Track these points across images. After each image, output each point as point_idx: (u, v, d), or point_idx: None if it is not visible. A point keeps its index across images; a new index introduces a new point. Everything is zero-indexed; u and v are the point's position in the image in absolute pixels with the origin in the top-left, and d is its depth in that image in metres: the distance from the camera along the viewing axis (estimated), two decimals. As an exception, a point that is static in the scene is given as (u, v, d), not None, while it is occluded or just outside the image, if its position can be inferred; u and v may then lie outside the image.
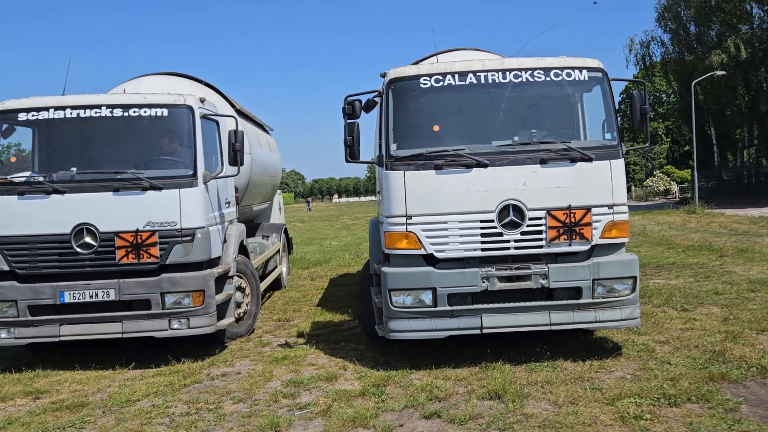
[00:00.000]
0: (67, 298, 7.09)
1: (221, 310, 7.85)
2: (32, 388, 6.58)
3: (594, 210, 6.37)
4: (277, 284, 12.80)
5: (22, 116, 7.31)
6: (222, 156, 8.28)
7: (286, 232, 13.77)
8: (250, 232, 12.51)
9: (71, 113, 7.30)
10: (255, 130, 11.54)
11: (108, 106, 7.30)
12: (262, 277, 11.23)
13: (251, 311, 8.94)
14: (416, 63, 8.59)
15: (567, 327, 6.46)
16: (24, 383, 6.77)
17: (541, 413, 5.14)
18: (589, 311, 6.41)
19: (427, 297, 6.37)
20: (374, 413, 5.32)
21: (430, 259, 6.45)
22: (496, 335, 6.74)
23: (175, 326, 7.22)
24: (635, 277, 6.44)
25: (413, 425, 5.09)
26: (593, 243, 6.39)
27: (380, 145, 6.71)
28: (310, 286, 13.45)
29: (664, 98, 69.61)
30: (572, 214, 6.34)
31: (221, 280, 7.98)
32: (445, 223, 6.37)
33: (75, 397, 6.25)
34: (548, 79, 6.53)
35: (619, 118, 6.95)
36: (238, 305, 8.67)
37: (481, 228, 6.36)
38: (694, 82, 33.08)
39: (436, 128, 6.74)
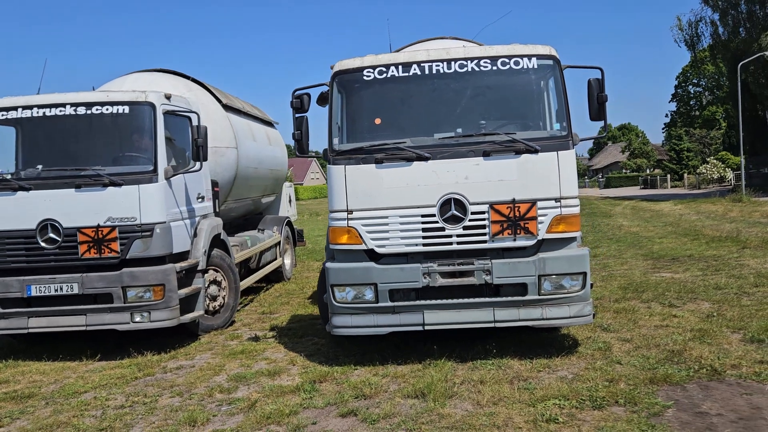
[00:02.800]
0: (34, 292, 7.34)
1: (189, 303, 7.98)
2: (-4, 378, 6.86)
3: (540, 204, 6.13)
4: (279, 276, 12.92)
5: (-8, 116, 7.56)
6: (206, 150, 8.37)
7: (290, 224, 13.85)
8: (251, 225, 12.68)
9: (38, 112, 7.52)
10: (248, 124, 11.61)
11: (72, 105, 7.48)
12: (254, 270, 11.36)
13: (229, 304, 9.05)
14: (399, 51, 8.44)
15: (512, 324, 6.27)
16: (-11, 373, 7.05)
17: (457, 413, 5.02)
18: (536, 308, 6.20)
19: (368, 293, 6.30)
20: (294, 410, 5.30)
21: (373, 255, 6.36)
22: (459, 331, 6.60)
23: (137, 319, 7.38)
24: (585, 273, 6.18)
25: (326, 423, 5.04)
26: (539, 238, 6.16)
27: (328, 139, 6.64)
28: (313, 278, 13.49)
29: (723, 81, 66.68)
30: (516, 208, 6.13)
31: (190, 274, 8.11)
32: (386, 218, 6.26)
33: (29, 387, 6.47)
34: (495, 68, 6.31)
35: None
36: (214, 298, 8.79)
37: (423, 223, 6.22)
38: (740, 64, 31.49)
39: (377, 121, 6.62)
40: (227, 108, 10.50)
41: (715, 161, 54.66)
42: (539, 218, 6.13)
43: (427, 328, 6.29)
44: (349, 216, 6.32)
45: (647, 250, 14.66)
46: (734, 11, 37.19)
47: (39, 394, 6.26)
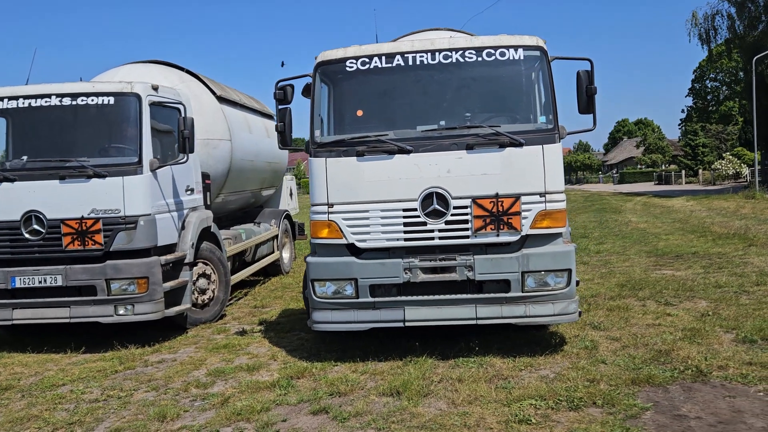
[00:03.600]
0: (18, 283, 7.31)
1: (175, 296, 7.92)
2: (-24, 369, 6.83)
3: (524, 198, 5.98)
4: (277, 270, 12.85)
5: (-23, 106, 7.53)
6: (193, 142, 8.29)
7: (288, 218, 13.76)
8: (250, 218, 12.60)
9: (24, 103, 7.48)
10: (244, 116, 11.52)
11: (58, 95, 7.43)
12: (249, 263, 11.30)
13: (218, 297, 8.99)
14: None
15: (494, 322, 6.13)
16: (-26, 364, 7.03)
17: (429, 413, 4.90)
18: (519, 305, 6.06)
19: (349, 288, 6.19)
20: (266, 407, 5.21)
21: (354, 249, 6.24)
22: (444, 327, 6.48)
23: (121, 312, 7.33)
24: (569, 270, 6.03)
25: (296, 421, 4.95)
26: (523, 233, 6.01)
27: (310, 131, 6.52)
28: (311, 272, 13.41)
29: (741, 76, 65.60)
30: (500, 203, 5.98)
31: (177, 267, 8.04)
32: (367, 211, 6.14)
33: (9, 380, 6.44)
34: (480, 59, 6.15)
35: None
36: (203, 292, 8.73)
37: (404, 217, 6.09)
38: (756, 58, 30.90)
39: (359, 113, 6.50)
40: (221, 100, 10.41)
41: (730, 157, 53.82)
42: (523, 213, 5.98)
43: (407, 324, 6.16)
44: (330, 210, 6.20)
45: (652, 246, 14.41)
46: (751, 4, 36.44)
47: (17, 386, 6.23)
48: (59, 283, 7.27)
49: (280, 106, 6.58)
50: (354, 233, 6.16)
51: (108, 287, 7.27)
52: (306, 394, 5.48)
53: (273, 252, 12.55)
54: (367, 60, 6.27)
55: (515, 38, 6.22)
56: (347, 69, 6.30)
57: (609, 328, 7.12)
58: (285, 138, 6.60)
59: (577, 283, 6.32)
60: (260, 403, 5.29)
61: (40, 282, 7.29)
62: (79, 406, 5.56)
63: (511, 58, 6.14)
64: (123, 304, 7.31)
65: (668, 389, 5.17)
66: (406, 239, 6.11)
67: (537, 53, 6.18)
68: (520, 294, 6.01)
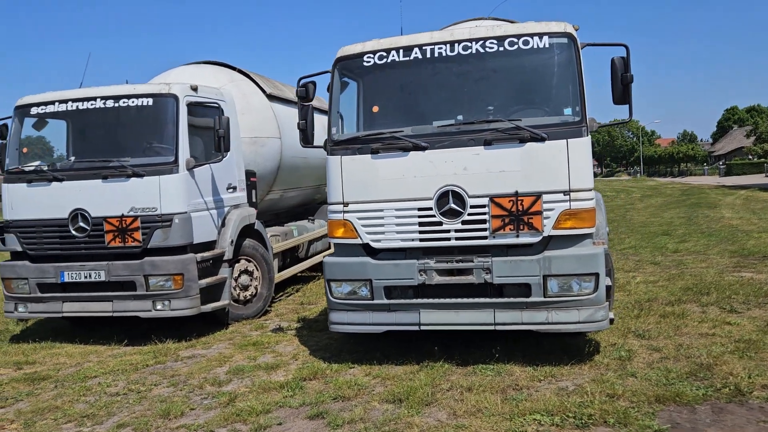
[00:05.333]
0: (67, 278, 7.70)
1: (214, 292, 8.08)
2: (27, 358, 7.26)
3: (545, 197, 5.59)
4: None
5: (33, 110, 7.98)
6: (228, 142, 8.45)
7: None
8: (310, 214, 12.68)
9: (72, 106, 7.84)
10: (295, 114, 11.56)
11: (102, 98, 7.74)
12: (302, 259, 11.37)
13: (261, 294, 9.10)
14: None
15: (514, 328, 5.78)
16: (25, 353, 7.48)
17: (426, 423, 4.67)
18: (540, 311, 5.68)
19: (364, 289, 6.04)
20: (267, 409, 5.17)
21: (370, 249, 6.09)
22: (469, 331, 6.19)
23: (159, 307, 7.55)
24: (596, 274, 5.57)
25: (291, 425, 4.87)
26: (545, 234, 5.62)
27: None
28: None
29: None
30: (519, 202, 5.62)
31: (217, 263, 8.20)
32: (381, 211, 5.96)
33: (49, 370, 6.78)
34: (502, 49, 5.80)
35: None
36: (245, 288, 8.86)
37: (420, 216, 5.86)
38: None
39: (375, 109, 6.31)
40: (272, 97, 10.50)
41: None
42: (545, 213, 5.59)
43: (423, 328, 5.94)
44: (345, 209, 6.08)
45: (739, 246, 13.26)
46: None
47: (54, 377, 6.54)
48: (102, 278, 7.59)
49: (302, 104, 6.52)
50: (369, 233, 6.00)
51: (147, 283, 7.51)
52: (311, 397, 5.39)
53: (329, 248, 12.57)
54: (384, 54, 6.07)
55: (541, 25, 5.82)
56: (365, 64, 6.14)
57: (654, 337, 6.56)
58: (307, 135, 6.54)
59: (610, 287, 5.84)
60: (263, 404, 5.26)
61: (85, 277, 7.64)
62: (99, 399, 5.75)
63: (536, 46, 5.74)
64: (160, 299, 7.53)
65: (695, 410, 4.66)
66: (421, 240, 5.88)
67: (564, 40, 5.75)
68: (542, 299, 5.64)
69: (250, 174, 9.31)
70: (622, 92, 5.71)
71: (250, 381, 5.98)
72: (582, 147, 5.59)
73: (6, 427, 5.21)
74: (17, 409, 5.60)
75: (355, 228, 6.03)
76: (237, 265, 8.73)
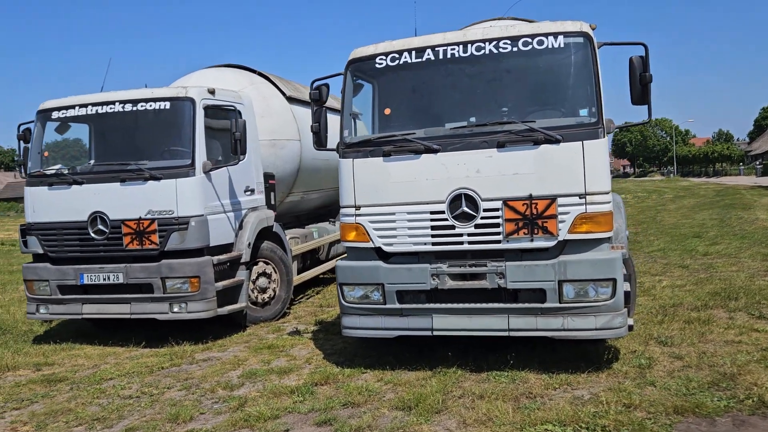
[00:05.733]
0: (86, 280, 7.78)
1: (231, 295, 8.09)
2: (47, 360, 7.35)
3: (560, 200, 5.44)
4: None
5: (54, 114, 8.09)
6: (245, 144, 8.46)
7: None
8: (333, 216, 12.65)
9: (91, 110, 7.92)
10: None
11: (120, 102, 7.81)
12: (322, 262, 11.35)
13: (280, 296, 9.09)
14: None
15: (528, 334, 5.65)
16: (45, 354, 7.58)
17: (434, 431, 4.58)
18: (555, 317, 5.53)
19: (376, 293, 5.97)
20: (276, 414, 5.13)
21: (382, 253, 6.01)
22: (488, 336, 6.08)
23: (176, 310, 7.59)
24: (614, 279, 5.40)
25: (297, 431, 4.81)
26: (560, 238, 5.47)
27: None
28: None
29: None
30: (533, 205, 5.48)
31: (235, 266, 8.21)
32: (393, 214, 5.88)
33: (67, 371, 6.85)
34: (516, 49, 5.67)
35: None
36: (263, 290, 8.86)
37: (432, 220, 5.77)
38: None
39: (387, 111, 6.23)
40: (292, 100, 10.50)
41: None
42: (560, 216, 5.45)
43: (435, 333, 5.84)
44: (357, 212, 6.01)
45: (773, 248, 12.85)
46: None
47: (71, 378, 6.61)
48: (120, 280, 7.66)
49: (315, 107, 6.48)
50: (381, 237, 5.93)
51: (164, 285, 7.55)
52: (321, 402, 5.33)
53: (351, 250, 12.52)
54: (397, 55, 6.00)
55: (556, 24, 5.68)
56: (377, 66, 6.07)
57: (677, 344, 6.36)
58: (320, 138, 6.50)
59: (628, 293, 5.66)
60: (273, 409, 5.22)
61: (104, 279, 7.71)
62: (112, 401, 5.78)
63: (551, 46, 5.60)
64: (177, 302, 7.57)
65: (715, 422, 4.48)
66: (433, 244, 5.78)
67: (580, 40, 5.60)
68: (557, 305, 5.49)
69: (268, 176, 9.31)
70: (640, 92, 5.54)
71: (262, 385, 5.95)
72: (598, 149, 5.43)
73: (19, 429, 5.26)
74: (32, 411, 5.65)
75: (367, 232, 5.96)
76: (255, 267, 8.74)
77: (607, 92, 5.64)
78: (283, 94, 10.36)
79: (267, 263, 8.97)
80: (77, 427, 5.23)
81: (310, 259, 11.00)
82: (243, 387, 5.97)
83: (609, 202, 5.47)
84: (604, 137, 5.46)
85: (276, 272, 9.07)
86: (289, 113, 10.27)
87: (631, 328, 5.71)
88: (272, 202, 9.33)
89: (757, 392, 4.86)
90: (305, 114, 10.89)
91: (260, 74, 10.37)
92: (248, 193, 8.62)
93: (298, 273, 10.16)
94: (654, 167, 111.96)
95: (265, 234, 8.90)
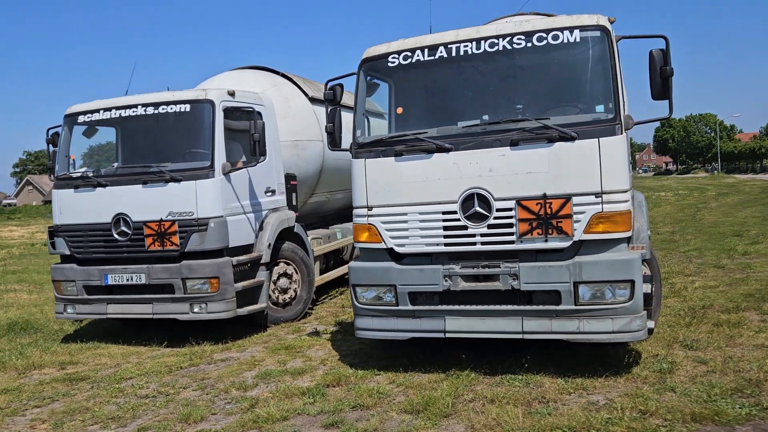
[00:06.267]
0: (110, 281, 7.92)
1: (250, 295, 8.13)
2: (72, 359, 7.50)
3: (575, 199, 5.29)
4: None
5: (80, 118, 8.26)
6: (264, 146, 8.52)
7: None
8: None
9: (115, 114, 8.06)
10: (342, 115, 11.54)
11: (143, 105, 7.92)
12: (346, 262, 11.32)
13: (301, 297, 9.10)
14: None
15: (543, 337, 5.51)
16: (71, 354, 7.73)
17: (440, 437, 4.49)
18: (571, 320, 5.38)
19: (388, 295, 5.91)
20: (285, 416, 5.12)
21: (395, 254, 5.94)
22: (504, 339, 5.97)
23: (196, 310, 7.67)
24: (632, 281, 5.23)
25: (304, 433, 4.79)
26: (575, 239, 5.32)
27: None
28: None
29: None
30: (548, 205, 5.35)
31: (255, 266, 8.26)
32: (405, 214, 5.81)
33: (89, 371, 6.98)
34: (530, 45, 5.54)
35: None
36: (284, 291, 8.89)
37: (444, 221, 5.67)
38: None
39: (399, 110, 6.17)
40: (314, 100, 10.49)
41: None
42: (575, 216, 5.30)
43: (448, 336, 5.75)
44: (369, 213, 5.97)
45: (816, 248, 12.35)
46: None
47: (92, 377, 6.72)
48: (143, 281, 7.77)
49: (330, 107, 6.46)
50: (393, 237, 5.87)
51: (184, 286, 7.63)
52: (331, 404, 5.30)
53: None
54: (409, 54, 5.93)
55: (571, 18, 5.53)
56: (389, 64, 6.01)
57: (703, 348, 6.13)
58: (335, 139, 6.48)
59: (648, 295, 5.47)
60: (283, 410, 5.21)
61: (127, 280, 7.84)
62: (129, 401, 5.86)
63: (566, 41, 5.46)
64: (197, 302, 7.64)
65: (735, 430, 4.29)
66: (446, 244, 5.69)
67: (597, 33, 5.44)
68: (572, 307, 5.34)
69: (290, 177, 9.34)
70: (661, 87, 5.35)
71: (275, 386, 5.95)
72: (616, 146, 5.26)
73: (37, 426, 5.37)
74: (51, 409, 5.76)
75: (379, 232, 5.91)
76: (276, 268, 8.77)
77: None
78: (306, 94, 10.38)
79: (288, 264, 8.99)
80: (92, 426, 5.30)
81: (333, 259, 11.00)
82: (257, 388, 5.98)
83: (627, 201, 5.29)
84: (622, 134, 5.29)
85: (297, 273, 9.08)
86: (311, 114, 10.28)
87: (651, 331, 5.53)
88: (294, 203, 9.35)
89: (783, 400, 4.64)
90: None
91: (283, 75, 10.40)
92: (269, 194, 8.65)
93: (321, 273, 10.17)
94: (698, 164, 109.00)
95: (286, 235, 8.93)
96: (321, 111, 10.64)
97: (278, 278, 8.79)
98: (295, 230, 9.15)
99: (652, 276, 6.44)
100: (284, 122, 9.43)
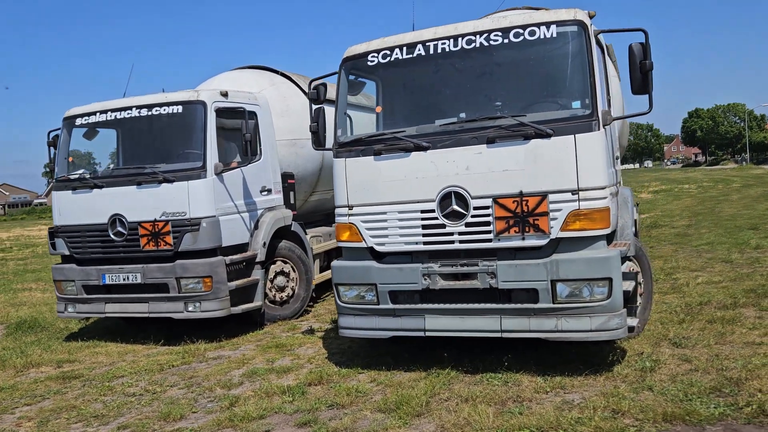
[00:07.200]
0: (108, 280, 8.06)
1: (246, 294, 8.21)
2: (69, 357, 7.65)
3: (551, 197, 5.24)
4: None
5: (78, 121, 8.40)
6: (259, 145, 8.60)
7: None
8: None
9: (111, 116, 8.19)
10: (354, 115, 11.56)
11: (137, 107, 8.03)
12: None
13: (299, 295, 9.16)
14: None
15: (521, 336, 5.47)
16: (70, 352, 7.89)
17: (408, 436, 4.50)
18: (549, 318, 5.34)
19: (370, 294, 5.92)
20: (262, 414, 5.17)
21: (376, 253, 5.95)
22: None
23: (190, 309, 7.76)
24: (610, 279, 5.16)
25: (278, 432, 4.84)
26: (552, 237, 5.27)
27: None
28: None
29: None
30: (524, 203, 5.30)
31: (249, 265, 8.33)
32: (385, 213, 5.81)
33: (84, 369, 7.12)
34: (507, 41, 5.49)
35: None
36: (281, 289, 8.95)
37: (423, 219, 5.66)
38: None
39: (378, 109, 6.16)
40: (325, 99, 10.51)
41: None
42: (551, 214, 5.25)
43: (428, 334, 5.75)
44: (350, 212, 5.98)
45: (832, 241, 12.04)
46: None
47: (86, 375, 6.86)
48: (139, 280, 7.89)
49: (314, 106, 6.49)
50: (373, 236, 5.88)
51: (178, 285, 7.73)
52: (309, 403, 5.33)
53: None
54: (388, 52, 5.92)
55: (549, 13, 5.47)
56: (369, 63, 6.01)
57: (691, 345, 6.03)
58: (319, 138, 6.50)
59: (629, 293, 5.40)
60: (261, 409, 5.27)
61: (124, 279, 7.97)
62: (116, 399, 5.96)
63: (543, 36, 5.40)
64: (192, 301, 7.74)
65: (705, 430, 4.22)
66: (425, 243, 5.68)
67: (574, 28, 5.37)
68: (550, 306, 5.30)
69: (287, 176, 9.38)
70: (641, 81, 5.28)
71: (259, 385, 6.00)
72: (592, 142, 5.19)
73: (23, 424, 5.50)
74: (40, 407, 5.90)
75: (359, 231, 5.92)
76: (273, 266, 8.83)
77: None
78: (305, 93, 10.39)
79: (285, 262, 9.05)
80: (76, 424, 5.41)
81: (335, 257, 11.01)
82: (241, 386, 6.05)
83: (605, 198, 5.22)
84: (599, 130, 5.22)
85: (295, 271, 9.14)
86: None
87: (632, 329, 5.46)
88: (291, 202, 9.39)
89: (760, 399, 4.54)
90: (329, 112, 10.94)
91: (282, 74, 10.45)
92: (264, 193, 8.71)
93: (322, 271, 10.20)
94: (727, 155, 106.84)
95: (283, 233, 8.99)
96: (328, 109, 10.68)
97: (275, 276, 8.85)
98: (292, 228, 9.20)
99: (639, 273, 6.37)
100: (282, 121, 9.48)
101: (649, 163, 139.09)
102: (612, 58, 8.45)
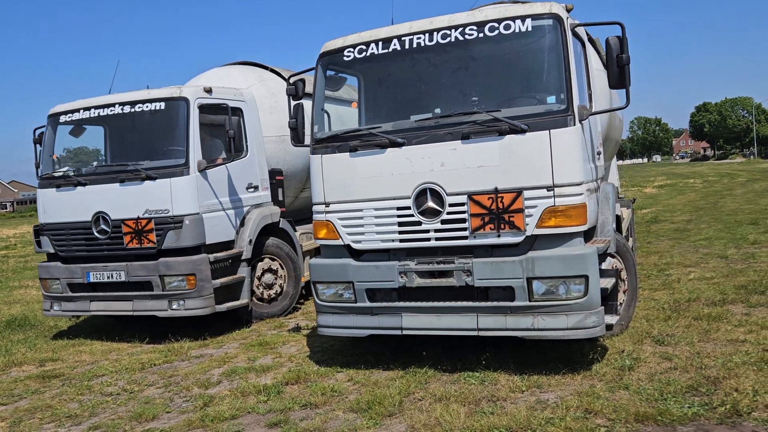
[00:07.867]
0: (92, 278, 8.04)
1: (232, 291, 8.17)
2: (53, 356, 7.63)
3: (526, 193, 5.15)
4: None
5: (62, 118, 8.37)
6: (245, 142, 8.55)
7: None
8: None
9: (94, 113, 8.15)
10: (335, 109, 11.46)
11: (120, 104, 7.98)
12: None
13: (287, 292, 9.11)
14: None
15: (497, 334, 5.40)
16: (54, 350, 7.87)
17: (376, 437, 4.44)
18: (525, 316, 5.26)
19: (347, 292, 5.86)
20: (235, 414, 5.12)
21: (353, 250, 5.89)
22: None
23: (174, 307, 7.73)
24: (586, 276, 5.07)
25: (248, 432, 4.79)
26: (528, 234, 5.18)
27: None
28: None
29: None
30: (499, 199, 5.22)
31: (235, 263, 8.29)
32: (361, 210, 5.74)
33: (66, 368, 7.09)
34: (482, 35, 5.40)
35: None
36: (269, 287, 8.90)
37: (398, 216, 5.59)
38: None
39: (353, 105, 6.08)
40: (309, 96, 10.43)
41: None
42: (527, 210, 5.16)
43: (405, 332, 5.69)
44: (326, 209, 5.91)
45: (831, 236, 11.88)
46: None
47: (67, 374, 6.83)
48: (123, 278, 7.86)
49: (293, 102, 6.42)
50: (350, 234, 5.81)
51: (162, 283, 7.69)
52: (282, 403, 5.27)
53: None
54: (364, 47, 5.84)
55: (524, 7, 5.38)
56: (345, 59, 5.93)
57: (674, 343, 5.94)
58: (298, 134, 6.43)
59: (607, 291, 5.31)
60: (234, 409, 5.22)
61: (108, 277, 7.94)
62: (92, 399, 5.93)
63: (518, 30, 5.30)
64: (176, 299, 7.70)
65: (676, 430, 4.13)
66: (401, 240, 5.61)
67: (549, 22, 5.27)
68: (527, 303, 5.22)
69: (275, 173, 9.32)
70: (618, 75, 5.18)
71: (236, 384, 5.95)
72: (568, 138, 5.10)
73: (-4, 424, 5.48)
74: (16, 407, 5.87)
75: (336, 229, 5.86)
76: (260, 264, 8.78)
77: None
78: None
79: (273, 259, 9.00)
80: (48, 424, 5.38)
81: (326, 253, 10.95)
82: (219, 385, 6.00)
83: (581, 194, 5.13)
84: (575, 125, 5.13)
85: (283, 268, 9.08)
86: (299, 108, 10.21)
87: (610, 327, 5.37)
88: (280, 199, 9.34)
89: (734, 399, 4.45)
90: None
91: (272, 70, 10.35)
92: (251, 190, 8.66)
93: (312, 268, 10.14)
94: (735, 149, 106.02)
95: (271, 230, 8.93)
96: (310, 105, 10.61)
97: (263, 274, 8.80)
98: (281, 225, 9.14)
99: (623, 270, 6.28)
100: (271, 117, 9.41)
101: (657, 158, 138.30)
102: (601, 51, 8.32)
